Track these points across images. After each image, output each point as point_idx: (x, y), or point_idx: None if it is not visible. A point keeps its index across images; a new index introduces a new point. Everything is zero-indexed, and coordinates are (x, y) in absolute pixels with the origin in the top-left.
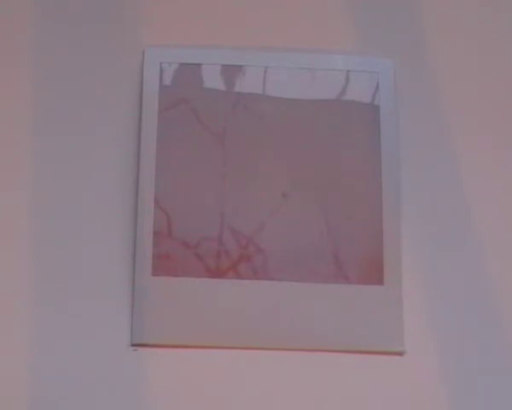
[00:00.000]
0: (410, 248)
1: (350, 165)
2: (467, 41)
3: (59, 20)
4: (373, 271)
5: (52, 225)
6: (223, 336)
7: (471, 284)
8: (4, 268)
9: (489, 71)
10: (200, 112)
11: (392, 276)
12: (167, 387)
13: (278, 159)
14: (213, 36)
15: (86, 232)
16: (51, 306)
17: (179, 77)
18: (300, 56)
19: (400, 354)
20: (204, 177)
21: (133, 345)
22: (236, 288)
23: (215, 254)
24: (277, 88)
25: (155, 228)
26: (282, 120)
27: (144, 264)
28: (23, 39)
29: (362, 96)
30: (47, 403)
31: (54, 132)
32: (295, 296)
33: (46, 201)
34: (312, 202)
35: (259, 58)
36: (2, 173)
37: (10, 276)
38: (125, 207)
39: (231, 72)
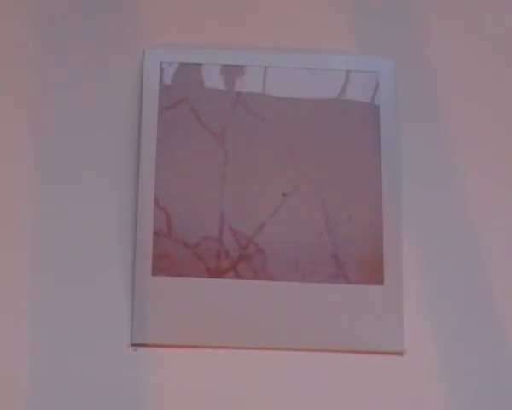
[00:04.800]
0: (410, 248)
1: (350, 164)
2: (466, 41)
3: (59, 21)
4: (373, 271)
5: (52, 224)
6: (223, 336)
7: (471, 283)
8: (5, 268)
9: (489, 71)
10: (200, 112)
11: (392, 276)
12: (167, 387)
13: (278, 159)
14: (213, 36)
15: (86, 232)
16: (51, 306)
17: (179, 77)
18: (300, 56)
19: (400, 354)
20: (204, 177)
21: (133, 345)
22: (236, 288)
23: (215, 254)
24: (277, 88)
25: (155, 228)
26: (282, 120)
27: (144, 264)
28: (23, 39)
29: (362, 96)
30: (47, 403)
31: (54, 132)
32: (295, 296)
33: (46, 201)
34: (312, 202)
35: (259, 58)
36: (2, 174)
37: (10, 275)
38: (125, 207)
39: (231, 72)
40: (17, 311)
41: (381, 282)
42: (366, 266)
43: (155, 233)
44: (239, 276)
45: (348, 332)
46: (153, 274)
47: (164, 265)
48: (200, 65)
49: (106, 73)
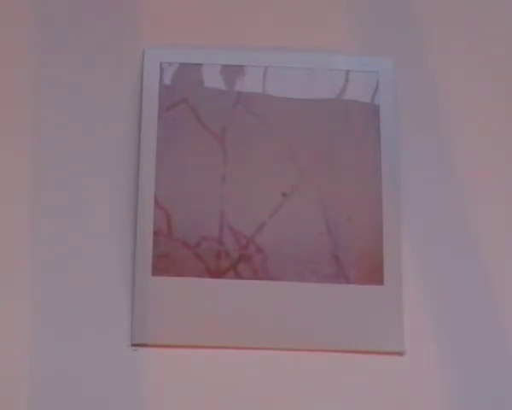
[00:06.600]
0: (410, 248)
1: (350, 165)
2: (466, 41)
3: (59, 21)
4: (373, 271)
5: (52, 225)
6: (223, 336)
7: (471, 283)
8: (4, 268)
9: (489, 71)
10: (200, 112)
11: (392, 276)
12: (167, 387)
13: (278, 159)
14: (213, 36)
15: (86, 232)
16: (51, 306)
17: (179, 77)
18: (300, 56)
19: (400, 354)
20: (204, 177)
21: (133, 345)
22: (236, 288)
23: (215, 254)
24: (277, 88)
25: (155, 228)
26: (282, 120)
27: (144, 264)
28: (23, 39)
29: (362, 96)
30: (47, 403)
31: (53, 132)
32: (295, 296)
33: (46, 201)
34: (312, 202)
35: (259, 58)
36: (3, 175)
37: (9, 275)
38: (125, 207)
39: (231, 72)
40: (16, 311)
41: (381, 282)
42: (366, 266)
43: (155, 233)
44: (239, 276)
45: (348, 332)
46: (153, 274)
47: (164, 265)
48: (200, 65)
49: (106, 73)
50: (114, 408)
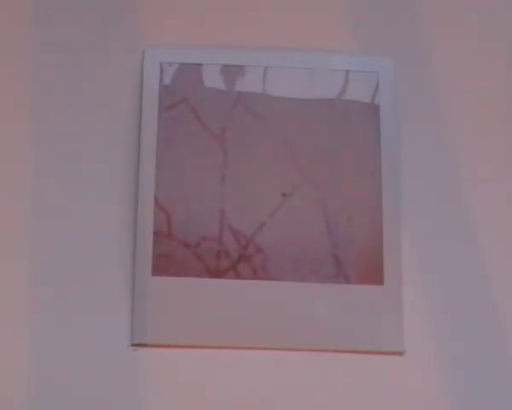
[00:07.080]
0: (410, 249)
1: (350, 165)
2: (466, 41)
3: (59, 21)
4: (373, 271)
5: (52, 225)
6: (223, 336)
7: (471, 283)
8: (4, 270)
9: (488, 71)
10: (200, 112)
11: (392, 276)
12: (167, 387)
13: (278, 159)
14: (213, 36)
15: (86, 232)
16: (51, 306)
17: (179, 77)
18: (300, 56)
19: (400, 354)
20: (204, 177)
21: (133, 345)
22: (236, 288)
23: (215, 254)
24: (277, 88)
25: (155, 228)
26: (281, 120)
27: (144, 264)
28: (23, 39)
29: (362, 96)
30: (47, 403)
31: (54, 132)
32: (295, 296)
33: (46, 201)
34: (312, 202)
35: (259, 58)
36: (3, 175)
37: (9, 275)
38: (124, 207)
39: (231, 71)
40: (16, 311)
41: (381, 282)
42: (366, 266)
43: (155, 233)
44: (239, 276)
45: (348, 332)
46: (153, 274)
47: (164, 265)
48: (200, 65)
49: (106, 73)
50: (114, 408)
